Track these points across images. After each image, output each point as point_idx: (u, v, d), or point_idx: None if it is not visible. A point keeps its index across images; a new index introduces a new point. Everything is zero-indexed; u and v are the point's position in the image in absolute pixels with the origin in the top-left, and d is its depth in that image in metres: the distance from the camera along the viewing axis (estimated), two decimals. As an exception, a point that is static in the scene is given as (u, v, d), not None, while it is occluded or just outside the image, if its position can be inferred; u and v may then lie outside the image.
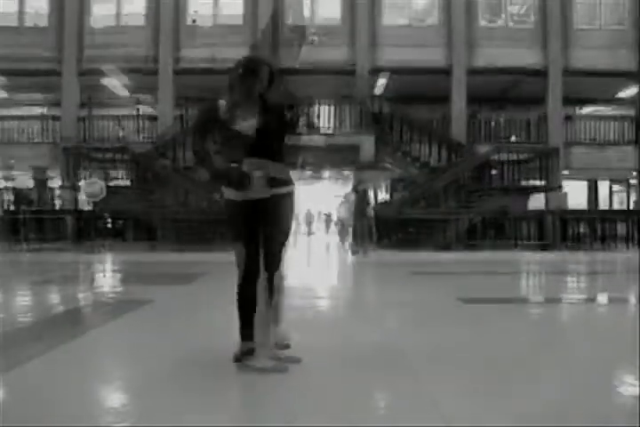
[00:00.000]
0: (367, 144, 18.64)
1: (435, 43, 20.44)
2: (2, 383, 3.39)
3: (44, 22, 20.81)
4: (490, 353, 4.09)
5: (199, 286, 8.19)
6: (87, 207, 17.68)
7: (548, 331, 5.11)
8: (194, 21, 20.99)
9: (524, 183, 18.48)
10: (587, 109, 24.01)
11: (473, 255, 14.82)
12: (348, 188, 19.35)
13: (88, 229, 16.59)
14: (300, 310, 5.66)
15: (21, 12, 20.87)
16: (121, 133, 20.20)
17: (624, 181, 25.66)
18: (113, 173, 17.84)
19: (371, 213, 15.28)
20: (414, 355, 4.00)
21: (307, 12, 19.77)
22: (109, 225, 16.81)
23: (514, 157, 18.48)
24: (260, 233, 3.64)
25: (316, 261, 15.13)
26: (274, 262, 3.65)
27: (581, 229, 17.61)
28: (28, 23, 20.88)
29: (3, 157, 20.02)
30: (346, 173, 25.15)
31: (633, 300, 7.23)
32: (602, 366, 3.75)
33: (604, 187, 26.02)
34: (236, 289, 3.67)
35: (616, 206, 25.76)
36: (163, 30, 20.51)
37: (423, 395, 3.14)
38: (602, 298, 7.72)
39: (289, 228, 3.73)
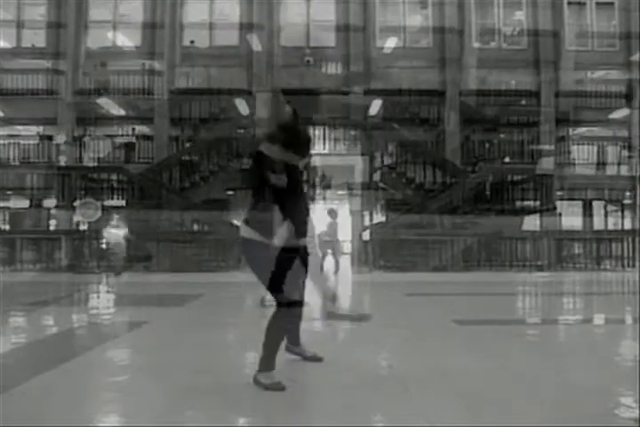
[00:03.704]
0: (361, 165, 18.69)
1: (428, 64, 20.62)
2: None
3: (41, 43, 20.96)
4: (485, 375, 4.08)
5: (193, 308, 8.15)
6: (82, 228, 17.61)
7: (545, 353, 5.08)
8: (191, 42, 21.17)
9: (518, 204, 18.51)
10: (580, 130, 24.15)
11: (468, 276, 14.80)
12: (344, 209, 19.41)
13: (83, 250, 16.51)
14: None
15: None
16: (117, 153, 20.19)
17: (618, 202, 25.71)
18: (108, 194, 17.81)
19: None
20: (408, 377, 3.98)
21: (303, 34, 19.97)
22: (104, 246, 16.74)
23: (508, 178, 18.55)
24: None
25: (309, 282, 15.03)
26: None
27: (576, 250, 17.62)
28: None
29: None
30: (340, 193, 25.16)
31: (629, 320, 7.21)
32: (599, 387, 3.74)
33: (598, 207, 26.03)
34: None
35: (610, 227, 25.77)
36: (159, 51, 20.66)
37: (417, 417, 3.12)
38: (598, 319, 7.71)
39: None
